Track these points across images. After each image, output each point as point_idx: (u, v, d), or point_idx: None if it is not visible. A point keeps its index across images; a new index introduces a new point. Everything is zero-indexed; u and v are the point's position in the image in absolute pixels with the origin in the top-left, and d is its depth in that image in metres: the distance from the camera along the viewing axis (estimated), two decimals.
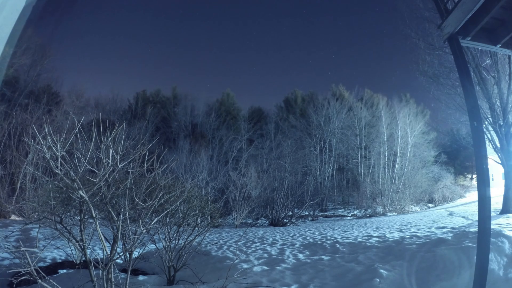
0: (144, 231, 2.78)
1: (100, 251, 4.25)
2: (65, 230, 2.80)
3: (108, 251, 2.73)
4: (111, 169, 2.67)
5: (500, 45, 2.94)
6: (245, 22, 45.96)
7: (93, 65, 39.76)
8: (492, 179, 18.16)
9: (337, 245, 5.82)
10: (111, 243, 2.93)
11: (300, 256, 5.22)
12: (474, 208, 12.23)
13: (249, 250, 5.99)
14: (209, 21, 45.38)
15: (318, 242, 6.53)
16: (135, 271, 4.56)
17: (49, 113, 15.34)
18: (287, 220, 16.88)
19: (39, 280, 2.38)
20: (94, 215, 2.64)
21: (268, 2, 45.59)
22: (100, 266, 2.67)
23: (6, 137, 13.62)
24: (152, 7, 42.09)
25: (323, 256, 5.03)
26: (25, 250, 2.33)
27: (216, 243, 6.93)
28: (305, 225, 15.42)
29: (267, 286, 3.54)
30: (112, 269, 2.71)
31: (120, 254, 2.95)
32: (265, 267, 4.43)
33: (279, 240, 7.35)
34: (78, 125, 2.61)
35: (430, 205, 23.20)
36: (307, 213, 19.87)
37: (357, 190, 23.69)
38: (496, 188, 13.80)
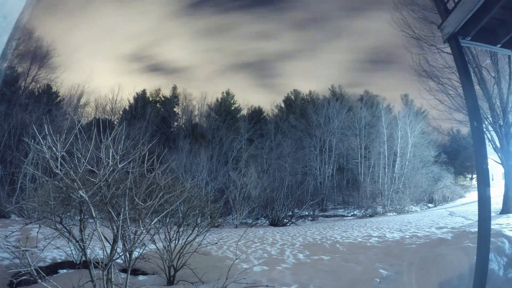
0: (144, 231, 2.78)
1: (100, 251, 4.25)
2: (65, 230, 2.80)
3: (108, 251, 2.73)
4: (111, 169, 2.66)
5: (500, 45, 2.94)
6: (245, 22, 45.90)
7: (93, 65, 39.71)
8: (492, 179, 18.13)
9: (337, 245, 5.82)
10: (111, 243, 2.93)
11: (300, 256, 5.22)
12: (474, 208, 12.21)
13: (249, 250, 5.99)
14: (209, 21, 45.29)
15: (318, 242, 6.53)
16: (135, 271, 4.56)
17: (49, 113, 15.36)
18: (287, 220, 16.87)
19: (39, 280, 2.38)
20: (94, 215, 2.63)
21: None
22: (100, 266, 2.66)
23: (6, 137, 13.64)
24: (152, 6, 42.06)
25: (323, 256, 5.03)
26: (25, 250, 2.33)
27: (216, 243, 6.92)
28: (305, 225, 15.42)
29: (267, 286, 3.54)
30: (112, 269, 2.71)
31: (120, 254, 2.95)
32: (265, 267, 4.43)
33: (279, 240, 7.35)
34: (78, 125, 2.61)
35: (430, 205, 23.18)
36: (307, 213, 19.85)
37: (357, 190, 23.68)
38: (496, 188, 13.78)
